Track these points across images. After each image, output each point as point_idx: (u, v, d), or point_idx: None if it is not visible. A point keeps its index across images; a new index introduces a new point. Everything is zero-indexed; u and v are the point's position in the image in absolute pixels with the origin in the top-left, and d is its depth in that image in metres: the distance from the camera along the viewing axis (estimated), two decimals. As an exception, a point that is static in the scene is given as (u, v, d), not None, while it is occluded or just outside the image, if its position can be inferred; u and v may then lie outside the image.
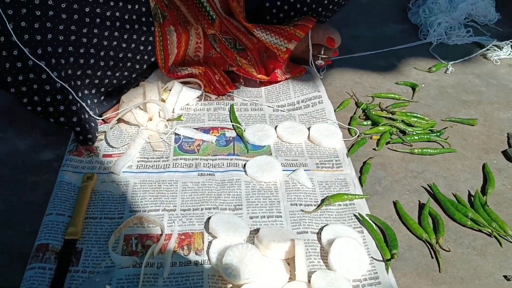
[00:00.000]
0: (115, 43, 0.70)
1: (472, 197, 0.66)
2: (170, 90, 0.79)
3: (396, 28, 1.11)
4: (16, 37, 0.60)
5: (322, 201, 0.64)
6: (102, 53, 0.69)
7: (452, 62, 0.97)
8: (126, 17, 0.70)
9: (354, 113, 0.82)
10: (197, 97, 0.82)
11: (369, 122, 0.80)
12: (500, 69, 0.98)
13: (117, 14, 0.69)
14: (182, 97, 0.79)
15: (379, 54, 1.00)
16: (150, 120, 0.74)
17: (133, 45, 0.72)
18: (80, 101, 0.68)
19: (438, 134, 0.77)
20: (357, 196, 0.64)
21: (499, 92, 0.91)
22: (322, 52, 0.86)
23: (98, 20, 0.66)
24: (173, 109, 0.79)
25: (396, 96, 0.87)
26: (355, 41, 1.04)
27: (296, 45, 0.82)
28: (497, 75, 0.96)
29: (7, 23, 0.59)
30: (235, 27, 0.84)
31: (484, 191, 0.67)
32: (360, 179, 0.68)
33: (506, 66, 0.98)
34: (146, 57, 0.75)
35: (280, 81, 0.86)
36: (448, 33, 1.05)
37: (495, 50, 1.01)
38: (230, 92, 0.84)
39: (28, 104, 0.65)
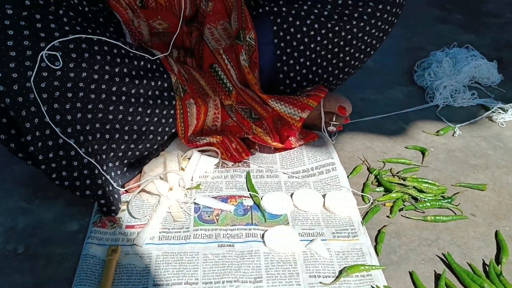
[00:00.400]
0: (138, 117, 0.73)
1: (486, 267, 0.68)
2: (189, 159, 0.82)
3: (403, 90, 1.15)
4: (49, 117, 0.64)
5: (340, 272, 0.65)
6: (126, 128, 0.72)
7: (459, 125, 1.01)
8: (150, 93, 0.74)
9: (367, 180, 0.85)
10: (215, 165, 0.85)
11: (382, 189, 0.82)
12: (506, 132, 1.01)
13: (141, 91, 0.73)
14: (201, 165, 0.82)
15: (388, 117, 1.04)
16: (171, 190, 0.77)
17: (155, 119, 0.76)
18: (105, 174, 0.71)
19: (450, 200, 0.79)
20: (374, 267, 0.66)
21: (506, 155, 0.93)
22: (334, 119, 0.90)
23: (124, 97, 0.70)
24: (192, 178, 0.82)
25: (406, 161, 0.89)
26: (364, 104, 1.08)
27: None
28: (503, 138, 0.99)
29: (41, 105, 0.62)
30: (251, 98, 0.88)
31: (498, 259, 0.69)
32: (375, 248, 0.70)
33: (511, 129, 1.02)
34: (167, 129, 0.79)
35: (294, 147, 0.90)
36: (453, 95, 1.09)
37: (500, 112, 1.04)
38: (246, 159, 0.87)
39: (57, 179, 0.68)
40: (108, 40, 0.68)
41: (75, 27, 0.65)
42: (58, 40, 0.62)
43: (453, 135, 0.99)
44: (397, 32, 1.03)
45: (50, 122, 0.64)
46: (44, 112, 0.63)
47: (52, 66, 0.61)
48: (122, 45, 0.71)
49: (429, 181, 0.83)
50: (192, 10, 0.94)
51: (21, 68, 0.60)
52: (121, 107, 0.70)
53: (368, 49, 0.90)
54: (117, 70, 0.69)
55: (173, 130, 0.81)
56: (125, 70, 0.70)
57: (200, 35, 0.94)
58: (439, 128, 1.00)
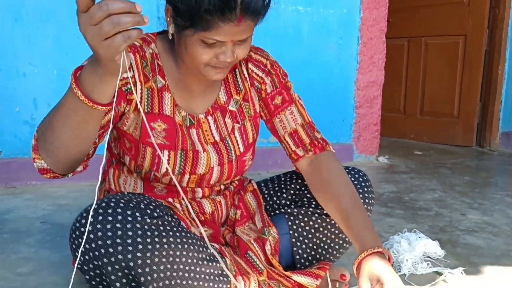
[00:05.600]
0: None
1: None
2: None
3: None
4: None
5: None
6: None
7: (425, 287, 1.36)
8: (215, 272, 1.06)
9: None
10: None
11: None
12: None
13: (208, 271, 1.05)
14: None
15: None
16: None
17: None
18: None
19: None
20: None
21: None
22: (337, 285, 1.23)
23: (198, 276, 1.02)
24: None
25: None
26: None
27: (320, 282, 1.19)
28: (457, 292, 1.34)
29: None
30: (277, 274, 1.21)
31: None
32: None
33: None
34: None
35: (312, 309, 1.19)
36: (414, 266, 1.46)
37: (452, 274, 1.42)
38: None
39: None
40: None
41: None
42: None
43: (422, 294, 1.33)
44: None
45: None
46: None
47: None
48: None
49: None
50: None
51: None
52: (201, 284, 1.01)
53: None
54: (199, 255, 1.02)
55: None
56: (201, 255, 1.03)
57: (231, 233, 1.30)
58: (410, 290, 1.35)
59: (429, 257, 1.57)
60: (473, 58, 3.82)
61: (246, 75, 1.24)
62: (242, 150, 1.23)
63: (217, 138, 1.20)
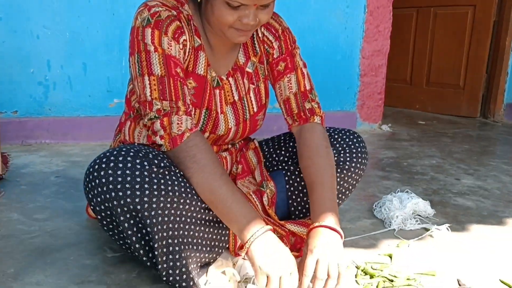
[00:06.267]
0: (210, 235, 1.14)
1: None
2: (234, 264, 1.21)
3: (367, 221, 1.62)
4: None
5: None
6: (203, 242, 1.13)
7: (411, 240, 1.46)
8: (216, 220, 1.16)
9: (356, 273, 1.25)
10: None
11: (368, 276, 1.22)
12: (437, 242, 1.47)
13: (213, 219, 1.15)
14: (244, 268, 1.21)
15: (363, 238, 1.48)
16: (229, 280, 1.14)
17: (218, 237, 1.17)
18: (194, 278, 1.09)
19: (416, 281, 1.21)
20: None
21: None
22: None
23: (203, 227, 1.13)
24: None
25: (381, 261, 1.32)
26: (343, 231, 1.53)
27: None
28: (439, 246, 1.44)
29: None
30: (273, 223, 1.31)
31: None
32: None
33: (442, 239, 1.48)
34: (224, 244, 1.19)
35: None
36: (404, 222, 1.56)
37: (438, 230, 1.52)
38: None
39: (165, 276, 1.06)
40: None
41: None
42: None
43: (408, 246, 1.43)
44: (358, 186, 1.53)
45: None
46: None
47: None
48: None
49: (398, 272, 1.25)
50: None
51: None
52: (202, 229, 1.12)
53: (347, 192, 1.39)
54: (200, 204, 1.12)
55: (227, 245, 1.21)
56: (201, 204, 1.13)
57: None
58: (397, 243, 1.45)
59: (419, 215, 1.66)
60: (481, 29, 3.83)
61: (261, 38, 1.32)
62: (255, 109, 1.32)
63: (236, 98, 1.28)
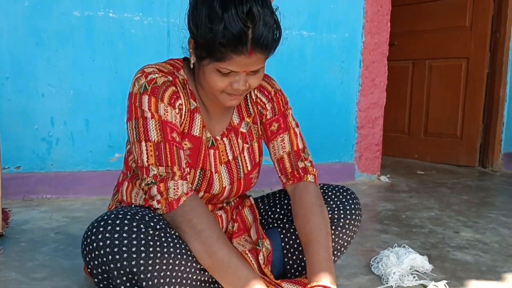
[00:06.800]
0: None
1: None
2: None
3: (365, 278, 1.61)
4: None
5: None
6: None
7: (409, 298, 1.46)
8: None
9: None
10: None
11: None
12: (440, 300, 1.46)
13: (203, 279, 1.16)
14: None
15: (359, 296, 1.48)
16: None
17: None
18: None
19: None
20: None
21: (443, 314, 1.37)
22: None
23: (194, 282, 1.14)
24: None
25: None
26: (341, 289, 1.52)
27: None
28: (439, 304, 1.43)
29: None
30: (269, 282, 1.31)
31: None
32: None
33: (444, 298, 1.47)
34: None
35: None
36: (401, 278, 1.56)
37: (436, 287, 1.51)
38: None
39: None
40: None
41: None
42: None
43: (405, 304, 1.43)
44: (356, 241, 1.55)
45: None
46: None
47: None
48: None
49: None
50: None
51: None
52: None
53: (342, 249, 1.40)
54: (196, 265, 1.14)
55: None
56: (197, 265, 1.15)
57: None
58: (395, 300, 1.45)
59: (417, 271, 1.66)
60: (475, 80, 3.92)
61: (254, 100, 1.37)
62: (249, 168, 1.36)
63: (230, 157, 1.33)
